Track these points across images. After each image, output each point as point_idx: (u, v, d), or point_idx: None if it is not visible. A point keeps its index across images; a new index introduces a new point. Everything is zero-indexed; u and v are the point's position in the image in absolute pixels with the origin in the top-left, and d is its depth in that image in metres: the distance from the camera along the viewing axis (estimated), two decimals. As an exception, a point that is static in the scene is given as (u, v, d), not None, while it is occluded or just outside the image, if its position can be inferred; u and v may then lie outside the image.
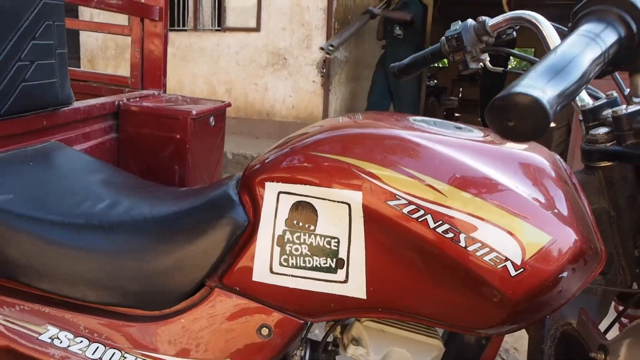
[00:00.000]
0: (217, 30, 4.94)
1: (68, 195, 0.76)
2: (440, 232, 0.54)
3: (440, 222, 0.54)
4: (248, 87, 4.75)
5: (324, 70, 4.33)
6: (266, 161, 0.64)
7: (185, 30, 5.12)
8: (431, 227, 0.54)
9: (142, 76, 1.46)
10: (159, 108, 1.21)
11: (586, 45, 0.41)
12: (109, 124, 1.19)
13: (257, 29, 4.64)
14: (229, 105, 1.47)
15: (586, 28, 0.43)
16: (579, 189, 0.62)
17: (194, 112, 1.20)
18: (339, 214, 0.58)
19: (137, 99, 1.29)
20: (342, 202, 0.58)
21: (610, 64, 0.45)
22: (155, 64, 1.46)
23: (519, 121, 0.35)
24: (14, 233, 0.66)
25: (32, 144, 0.90)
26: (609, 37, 0.43)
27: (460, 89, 10.65)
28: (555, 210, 0.55)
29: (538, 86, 0.34)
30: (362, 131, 0.63)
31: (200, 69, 4.92)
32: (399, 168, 0.56)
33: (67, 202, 0.74)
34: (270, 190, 0.61)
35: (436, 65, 15.78)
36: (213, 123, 1.34)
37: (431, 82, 9.47)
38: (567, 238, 0.53)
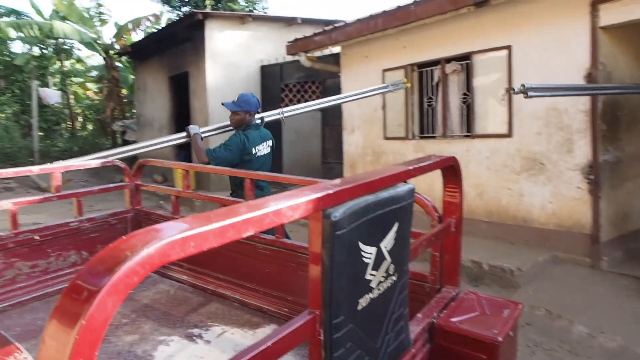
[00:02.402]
0: (466, 136, 5.18)
1: None
2: None
3: None
4: (501, 191, 4.74)
5: (591, 176, 3.98)
6: None
7: (435, 137, 5.55)
8: None
9: (441, 275, 1.74)
10: (468, 330, 1.43)
11: None
12: (425, 338, 1.48)
13: (508, 134, 4.67)
14: (522, 307, 1.59)
15: None
16: None
17: (500, 339, 1.37)
18: None
19: (444, 311, 1.55)
20: None
21: None
22: (452, 266, 1.72)
23: None
24: None
25: None
26: None
27: None
28: None
29: None
30: None
31: (450, 173, 5.19)
32: None
33: None
34: None
35: None
36: (512, 334, 1.49)
37: None
38: None
